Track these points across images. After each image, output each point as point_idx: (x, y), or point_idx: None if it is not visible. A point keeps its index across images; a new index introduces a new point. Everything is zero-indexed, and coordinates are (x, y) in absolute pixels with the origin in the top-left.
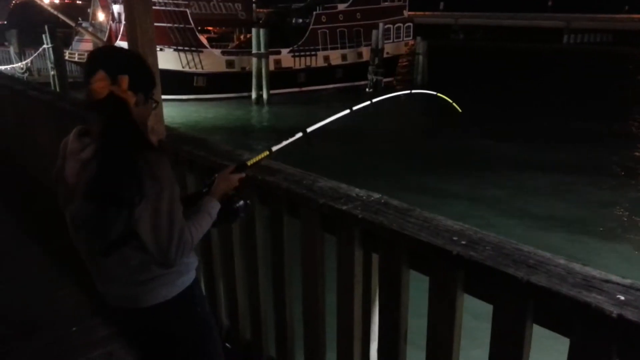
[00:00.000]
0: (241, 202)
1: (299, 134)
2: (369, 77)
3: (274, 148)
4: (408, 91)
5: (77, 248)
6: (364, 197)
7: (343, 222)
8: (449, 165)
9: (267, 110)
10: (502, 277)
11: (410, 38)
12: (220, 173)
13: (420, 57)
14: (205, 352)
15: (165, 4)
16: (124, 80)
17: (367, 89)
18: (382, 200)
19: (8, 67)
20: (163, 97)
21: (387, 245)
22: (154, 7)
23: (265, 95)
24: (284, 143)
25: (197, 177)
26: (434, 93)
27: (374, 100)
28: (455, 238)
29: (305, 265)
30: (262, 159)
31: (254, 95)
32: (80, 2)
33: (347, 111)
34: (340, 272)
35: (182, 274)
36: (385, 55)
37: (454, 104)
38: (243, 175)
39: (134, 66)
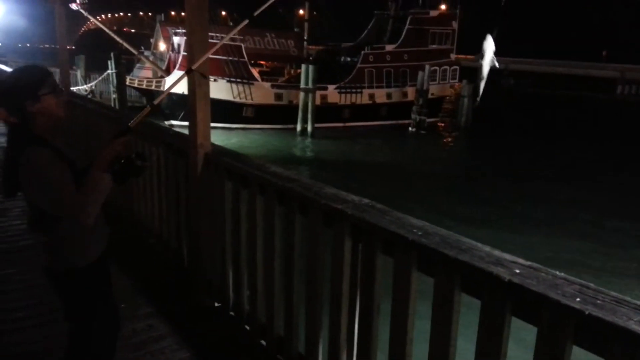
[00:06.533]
0: (137, 161)
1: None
2: (413, 116)
3: (155, 102)
4: None
5: None
6: (356, 201)
7: (337, 218)
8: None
9: (310, 142)
10: (439, 256)
11: (456, 80)
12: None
13: (465, 100)
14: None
15: (223, 38)
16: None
17: (410, 128)
18: (370, 204)
19: (74, 88)
20: (213, 124)
21: (368, 235)
22: (211, 41)
23: (309, 128)
24: (162, 96)
25: (235, 184)
26: None
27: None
28: (415, 230)
29: (310, 254)
30: (145, 116)
31: (299, 127)
32: (144, 32)
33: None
34: (334, 258)
35: (59, 251)
36: (430, 96)
37: None
38: (127, 137)
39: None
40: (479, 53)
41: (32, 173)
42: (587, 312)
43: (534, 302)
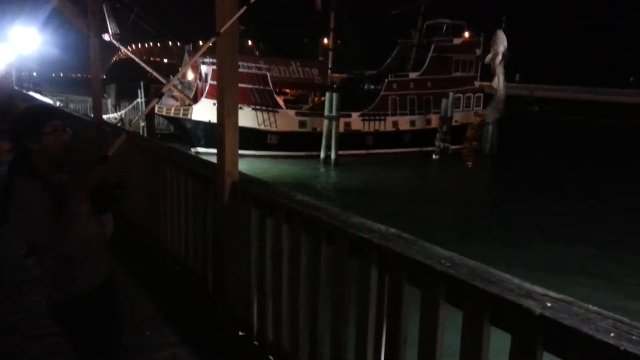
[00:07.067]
0: (116, 190)
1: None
2: (437, 143)
3: (130, 129)
4: None
5: None
6: (383, 230)
7: (364, 248)
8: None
9: (334, 169)
10: (468, 288)
11: (481, 108)
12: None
13: (490, 127)
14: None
15: (249, 67)
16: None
17: (434, 155)
18: (396, 234)
19: (105, 116)
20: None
21: (394, 265)
22: (239, 71)
23: (333, 156)
24: (136, 120)
25: (262, 212)
26: None
27: None
28: (442, 261)
29: (336, 284)
30: (122, 144)
31: (322, 154)
32: (173, 61)
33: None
34: (360, 287)
35: (57, 288)
36: (454, 124)
37: None
38: (106, 166)
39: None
40: (489, 54)
41: (17, 201)
42: (622, 348)
43: (566, 337)
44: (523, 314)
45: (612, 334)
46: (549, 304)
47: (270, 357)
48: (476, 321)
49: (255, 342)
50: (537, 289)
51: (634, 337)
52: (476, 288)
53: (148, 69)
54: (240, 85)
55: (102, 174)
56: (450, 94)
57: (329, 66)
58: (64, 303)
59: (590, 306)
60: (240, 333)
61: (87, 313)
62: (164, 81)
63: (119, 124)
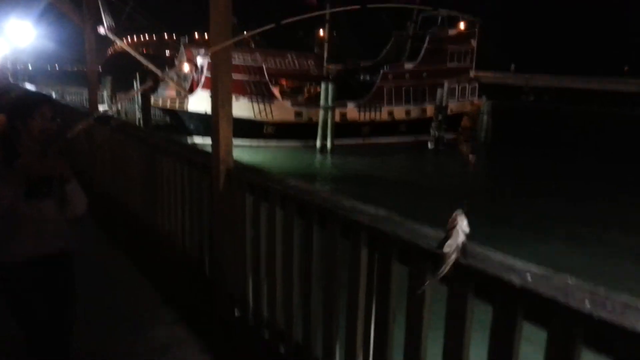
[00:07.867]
0: (42, 187)
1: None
2: (432, 132)
3: (69, 136)
4: None
5: None
6: (373, 212)
7: (354, 229)
8: None
9: (330, 158)
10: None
11: (476, 97)
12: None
13: (485, 116)
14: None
15: (245, 59)
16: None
17: (429, 144)
18: (387, 215)
19: (101, 108)
20: (235, 141)
21: (383, 245)
22: (235, 64)
23: (329, 145)
24: (76, 130)
25: (256, 198)
26: None
27: None
28: (429, 240)
29: (328, 264)
30: (61, 146)
31: (318, 144)
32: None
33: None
34: (351, 267)
35: None
36: (449, 113)
37: None
38: (41, 160)
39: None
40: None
41: None
42: (596, 316)
43: (545, 307)
44: (505, 287)
45: (587, 304)
46: (529, 277)
47: (266, 336)
48: (461, 295)
49: (251, 321)
50: (519, 263)
51: (607, 306)
52: (460, 264)
53: (143, 61)
54: (237, 76)
55: (37, 166)
56: (445, 84)
57: (325, 57)
58: None
59: (569, 278)
60: (237, 313)
61: (17, 280)
62: (159, 73)
63: (115, 115)
